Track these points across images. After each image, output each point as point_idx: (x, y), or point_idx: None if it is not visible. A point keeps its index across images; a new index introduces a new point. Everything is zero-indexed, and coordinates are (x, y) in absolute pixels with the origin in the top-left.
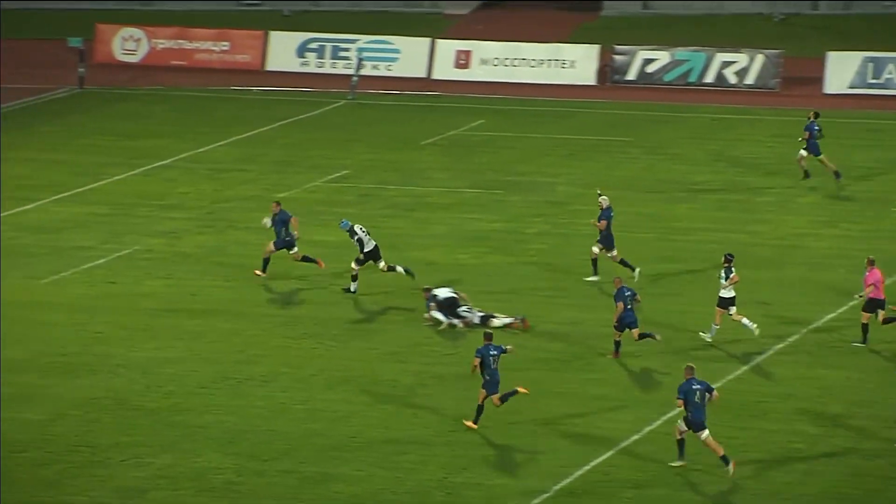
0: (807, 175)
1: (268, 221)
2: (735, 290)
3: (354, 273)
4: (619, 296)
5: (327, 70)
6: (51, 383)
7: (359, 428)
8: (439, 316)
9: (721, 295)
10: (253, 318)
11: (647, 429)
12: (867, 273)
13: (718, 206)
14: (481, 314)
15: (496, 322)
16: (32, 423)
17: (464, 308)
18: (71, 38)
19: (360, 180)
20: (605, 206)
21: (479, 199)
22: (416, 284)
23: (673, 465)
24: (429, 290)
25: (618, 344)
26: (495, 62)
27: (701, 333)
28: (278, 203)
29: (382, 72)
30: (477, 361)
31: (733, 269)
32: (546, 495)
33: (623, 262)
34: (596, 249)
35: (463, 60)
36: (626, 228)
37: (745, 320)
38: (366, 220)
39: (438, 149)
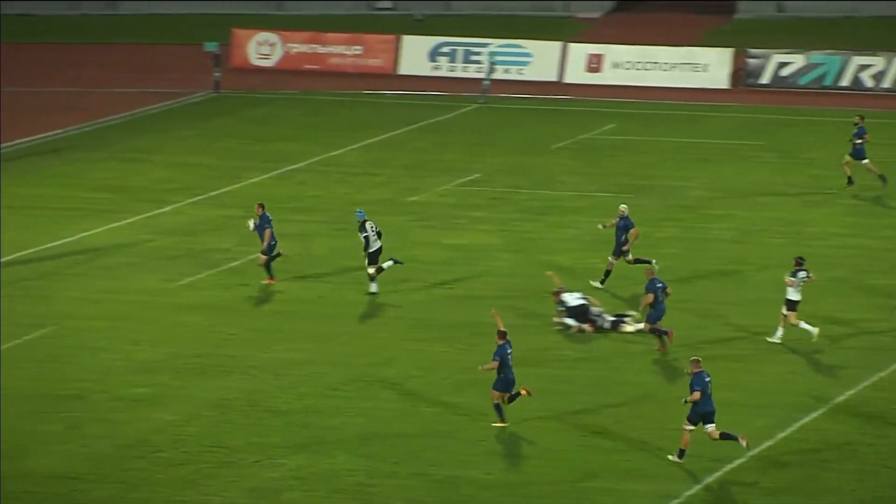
0: (850, 181)
1: (251, 224)
2: (802, 294)
3: (371, 274)
4: (650, 287)
5: (459, 74)
6: (185, 384)
7: (488, 431)
8: (569, 321)
9: (788, 297)
10: (384, 320)
11: (781, 435)
12: None
13: (852, 211)
14: (612, 318)
15: (628, 328)
16: (168, 424)
17: (594, 312)
18: (207, 42)
19: (491, 184)
20: (626, 214)
21: (610, 202)
22: (542, 288)
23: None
24: (559, 293)
25: (659, 332)
26: (627, 65)
27: (768, 338)
28: (262, 205)
29: (514, 75)
30: (496, 364)
31: (804, 271)
32: (677, 501)
33: (607, 274)
34: (612, 259)
35: (595, 64)
36: (758, 233)
37: (803, 324)
38: (497, 224)
39: (570, 152)
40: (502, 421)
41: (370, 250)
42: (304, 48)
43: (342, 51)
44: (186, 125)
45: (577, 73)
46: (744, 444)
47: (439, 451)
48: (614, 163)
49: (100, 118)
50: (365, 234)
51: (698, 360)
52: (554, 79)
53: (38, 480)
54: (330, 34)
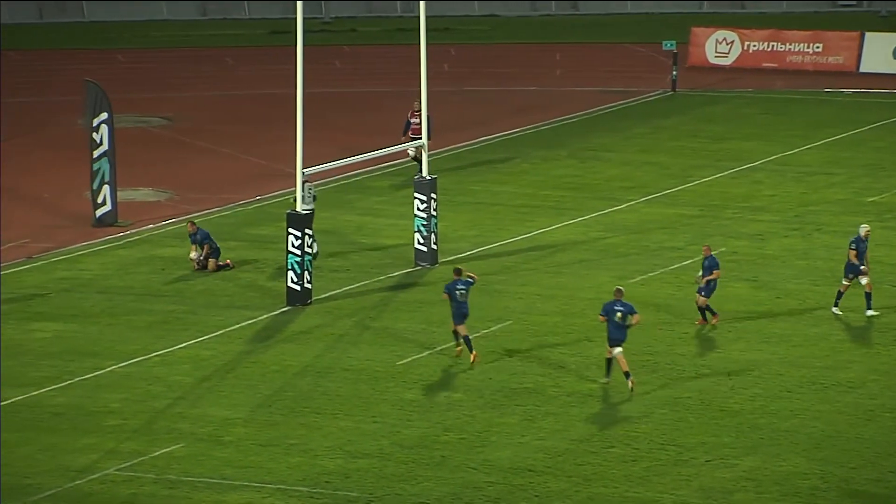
0: None
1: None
2: None
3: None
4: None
5: None
6: (637, 381)
7: None
8: None
9: None
10: (841, 323)
11: None
12: None
13: None
14: None
15: None
16: (620, 420)
17: None
18: (665, 41)
19: None
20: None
21: None
22: None
23: (600, 380)
24: None
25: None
26: None
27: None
28: (193, 223)
29: None
30: (445, 296)
31: None
32: None
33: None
34: (846, 282)
35: None
36: None
37: None
38: None
39: None
40: (471, 352)
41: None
42: (762, 46)
43: (802, 48)
44: (642, 123)
45: None
46: (629, 385)
47: None
48: None
49: (561, 116)
50: (304, 196)
51: (620, 290)
52: None
53: (497, 471)
54: (790, 32)
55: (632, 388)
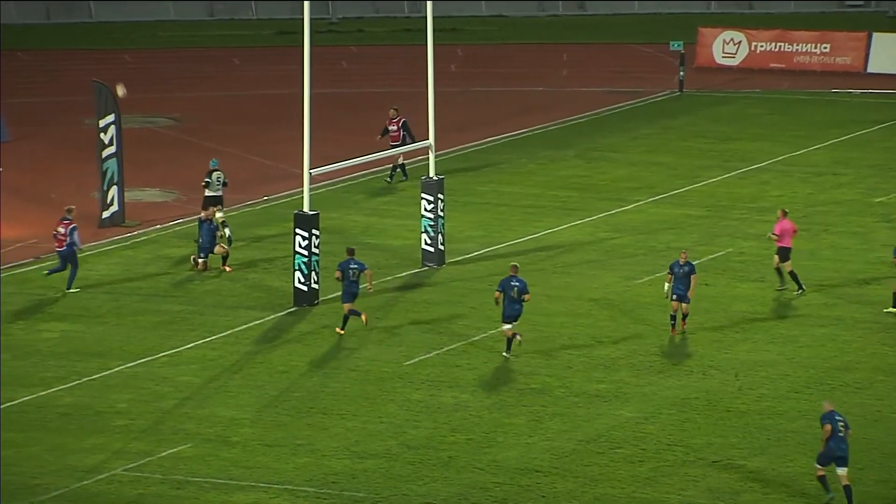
0: None
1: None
2: None
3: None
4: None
5: None
6: (644, 382)
7: None
8: None
9: None
10: (848, 323)
11: None
12: (777, 224)
13: None
14: None
15: None
16: (627, 421)
17: None
18: (673, 41)
19: None
20: None
21: None
22: None
23: (504, 354)
24: None
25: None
26: None
27: None
28: (215, 211)
29: None
30: (339, 274)
31: None
32: None
33: None
34: None
35: None
36: None
37: None
38: None
39: None
40: (342, 329)
41: (208, 194)
42: (769, 46)
43: (809, 49)
44: (649, 124)
45: None
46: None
47: None
48: None
49: (567, 116)
50: (206, 181)
51: (516, 266)
52: None
53: (504, 472)
54: (797, 32)
55: (507, 358)
